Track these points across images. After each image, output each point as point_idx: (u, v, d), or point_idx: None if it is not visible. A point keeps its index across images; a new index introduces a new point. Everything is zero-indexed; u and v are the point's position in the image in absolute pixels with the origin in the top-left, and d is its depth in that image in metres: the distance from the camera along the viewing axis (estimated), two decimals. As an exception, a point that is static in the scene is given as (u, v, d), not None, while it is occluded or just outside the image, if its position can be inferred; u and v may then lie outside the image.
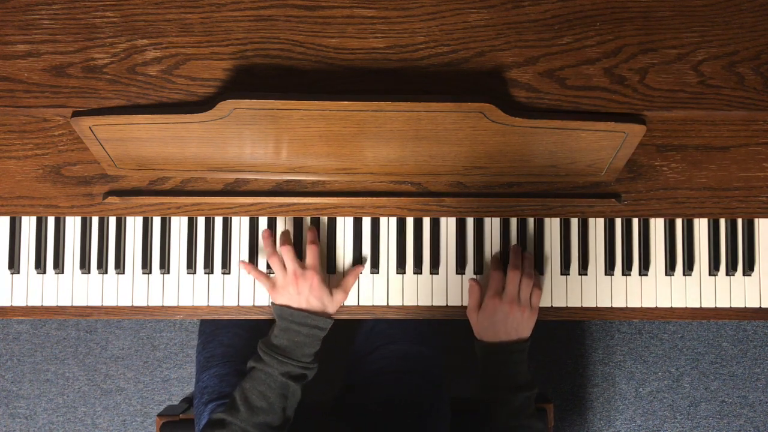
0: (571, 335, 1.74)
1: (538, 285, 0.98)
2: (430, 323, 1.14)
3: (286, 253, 0.96)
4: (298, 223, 1.02)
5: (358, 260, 1.01)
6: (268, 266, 1.01)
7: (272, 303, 0.96)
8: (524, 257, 0.99)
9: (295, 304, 0.94)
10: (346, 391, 1.12)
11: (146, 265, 1.01)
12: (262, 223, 1.02)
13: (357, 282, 1.01)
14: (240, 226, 1.02)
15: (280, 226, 1.02)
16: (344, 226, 1.02)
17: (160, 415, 1.19)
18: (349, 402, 1.09)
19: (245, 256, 1.02)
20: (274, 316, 0.95)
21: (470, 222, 1.02)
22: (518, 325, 0.95)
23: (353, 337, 1.19)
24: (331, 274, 1.02)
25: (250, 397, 0.89)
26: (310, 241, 0.98)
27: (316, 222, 1.02)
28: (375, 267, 1.02)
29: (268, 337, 0.94)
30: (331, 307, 0.96)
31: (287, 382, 0.90)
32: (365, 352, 1.12)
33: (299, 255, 1.00)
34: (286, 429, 0.91)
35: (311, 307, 0.94)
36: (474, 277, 1.02)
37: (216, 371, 1.09)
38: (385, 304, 1.02)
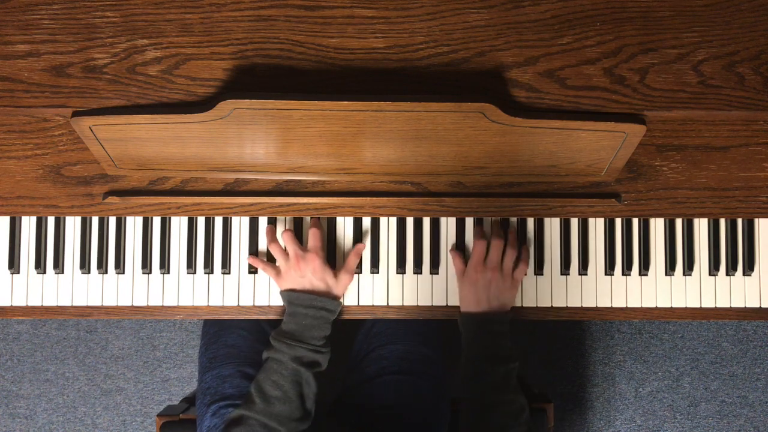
0: (571, 335, 1.74)
1: (525, 260, 0.99)
2: (429, 323, 1.14)
3: (287, 237, 0.97)
4: (298, 223, 1.02)
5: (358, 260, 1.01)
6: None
7: (280, 291, 0.97)
8: (510, 232, 1.00)
9: (299, 287, 0.95)
10: (345, 392, 1.12)
11: (146, 265, 1.01)
12: (262, 223, 1.02)
13: (357, 282, 1.01)
14: (240, 226, 1.02)
15: (280, 226, 1.02)
16: (344, 226, 1.02)
17: (160, 415, 1.19)
18: (349, 403, 1.09)
19: (245, 256, 1.01)
20: (283, 303, 0.96)
21: (470, 222, 1.02)
22: (500, 294, 0.95)
23: (353, 337, 1.19)
24: (331, 274, 1.02)
25: (264, 387, 0.89)
26: (312, 224, 0.99)
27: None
28: (375, 267, 1.02)
29: (280, 326, 0.94)
30: (337, 289, 0.96)
31: (298, 368, 0.90)
32: (364, 352, 1.12)
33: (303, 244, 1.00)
34: (308, 423, 0.90)
35: (315, 289, 0.95)
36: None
37: (219, 372, 1.09)
38: (385, 304, 1.02)
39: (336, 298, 0.96)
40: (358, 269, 1.01)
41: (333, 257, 1.02)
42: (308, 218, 1.01)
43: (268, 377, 0.90)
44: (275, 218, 1.01)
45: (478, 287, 0.96)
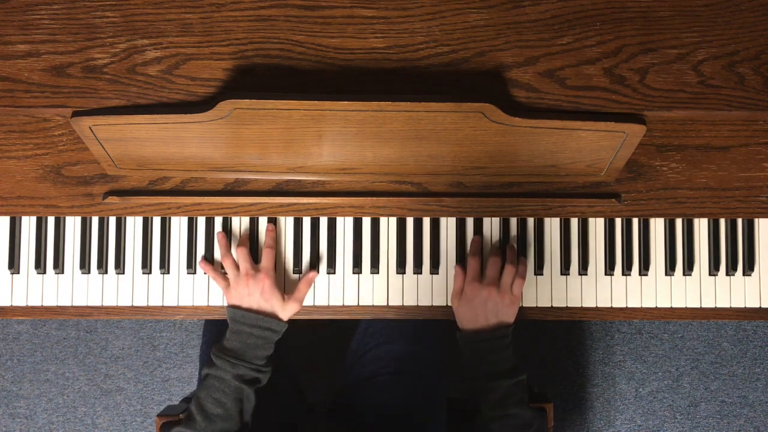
0: (571, 335, 1.74)
1: (521, 274, 0.98)
2: (426, 322, 1.14)
3: (241, 253, 0.96)
4: (298, 222, 1.02)
5: (358, 260, 1.01)
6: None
7: (226, 305, 0.96)
8: (508, 248, 1.00)
9: (245, 305, 0.94)
10: (341, 392, 1.12)
11: (146, 265, 1.01)
12: (263, 223, 1.02)
13: (357, 282, 1.01)
14: (240, 226, 1.02)
15: (281, 226, 1.02)
16: (344, 226, 1.02)
17: (160, 415, 1.18)
18: (345, 403, 1.09)
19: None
20: (228, 318, 0.95)
21: (470, 222, 1.02)
22: (498, 311, 0.94)
23: (349, 338, 1.19)
24: (331, 275, 1.02)
25: (205, 405, 0.89)
26: (267, 244, 0.98)
27: (316, 222, 1.02)
28: (375, 267, 1.01)
29: (221, 342, 0.93)
30: (282, 314, 0.96)
31: (241, 386, 0.89)
32: (360, 353, 1.12)
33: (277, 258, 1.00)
34: None
35: (261, 309, 0.94)
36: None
37: None
38: (385, 304, 1.02)
39: (281, 320, 0.96)
40: (359, 269, 1.01)
41: (333, 258, 1.02)
42: (308, 218, 1.01)
43: (209, 395, 0.89)
44: (275, 219, 1.01)
45: (474, 304, 0.94)
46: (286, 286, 1.00)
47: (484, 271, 0.98)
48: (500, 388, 0.91)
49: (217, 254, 1.01)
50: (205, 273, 1.01)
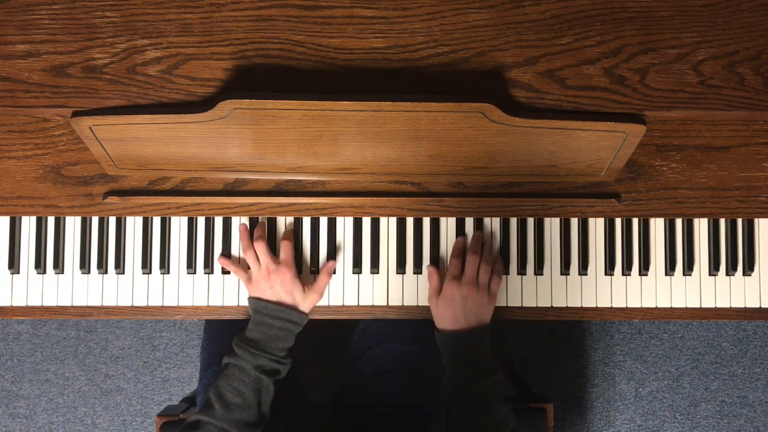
0: (571, 335, 1.74)
1: (498, 272, 0.98)
2: (423, 322, 1.14)
3: (260, 247, 0.97)
4: (298, 222, 1.02)
5: (358, 260, 1.01)
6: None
7: (248, 297, 0.97)
8: (484, 244, 0.99)
9: (267, 298, 0.95)
10: (342, 392, 1.12)
11: (146, 265, 1.01)
12: (280, 222, 1.01)
13: (357, 282, 1.01)
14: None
15: (281, 226, 1.02)
16: (344, 226, 1.02)
17: (160, 415, 1.19)
18: (345, 403, 1.09)
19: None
20: (250, 310, 0.96)
21: (470, 222, 1.02)
22: (477, 310, 0.94)
23: (350, 337, 1.19)
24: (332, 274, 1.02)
25: (224, 394, 0.89)
26: (284, 237, 0.99)
27: (316, 222, 1.02)
28: (375, 267, 1.01)
29: (243, 332, 0.94)
30: (303, 305, 0.96)
31: (260, 376, 0.90)
32: (360, 351, 1.12)
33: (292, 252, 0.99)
34: (262, 425, 0.91)
35: (283, 301, 0.95)
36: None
37: (219, 369, 1.09)
38: (385, 304, 1.02)
39: (303, 312, 0.96)
40: (359, 269, 1.01)
41: (333, 258, 1.01)
42: (307, 218, 1.01)
43: (229, 384, 0.90)
44: (275, 219, 1.01)
45: (454, 304, 0.94)
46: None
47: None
48: (480, 386, 0.91)
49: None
50: (224, 268, 1.00)
